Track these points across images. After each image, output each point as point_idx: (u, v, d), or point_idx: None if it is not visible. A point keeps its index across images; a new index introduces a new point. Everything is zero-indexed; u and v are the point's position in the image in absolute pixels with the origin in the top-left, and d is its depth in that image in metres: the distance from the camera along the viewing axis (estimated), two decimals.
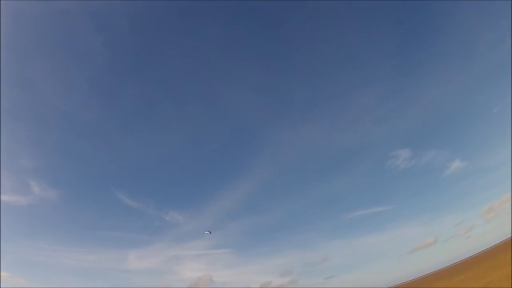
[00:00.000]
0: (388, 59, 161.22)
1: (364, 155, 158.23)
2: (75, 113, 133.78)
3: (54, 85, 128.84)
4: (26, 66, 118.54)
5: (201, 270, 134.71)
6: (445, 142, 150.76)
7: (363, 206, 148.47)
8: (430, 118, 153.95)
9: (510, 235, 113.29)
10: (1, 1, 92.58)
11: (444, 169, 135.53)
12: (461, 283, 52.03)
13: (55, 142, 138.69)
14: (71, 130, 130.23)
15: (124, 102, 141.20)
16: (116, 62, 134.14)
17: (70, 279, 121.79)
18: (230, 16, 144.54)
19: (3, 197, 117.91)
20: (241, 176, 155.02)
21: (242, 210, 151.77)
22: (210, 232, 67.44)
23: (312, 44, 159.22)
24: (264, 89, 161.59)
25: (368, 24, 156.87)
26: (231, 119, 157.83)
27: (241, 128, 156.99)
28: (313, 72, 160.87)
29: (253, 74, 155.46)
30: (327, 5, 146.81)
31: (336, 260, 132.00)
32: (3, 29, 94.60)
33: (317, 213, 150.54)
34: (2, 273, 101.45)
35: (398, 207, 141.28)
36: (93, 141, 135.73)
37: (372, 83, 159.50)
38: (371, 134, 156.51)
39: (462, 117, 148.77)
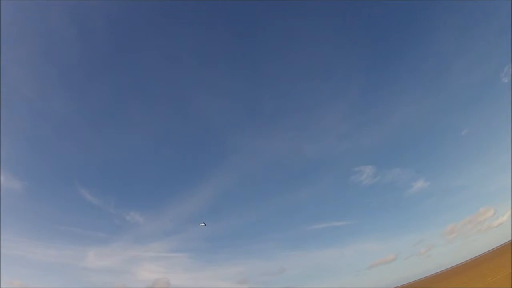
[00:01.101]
0: (359, 75, 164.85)
1: (328, 169, 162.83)
2: (44, 103, 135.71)
3: (23, 71, 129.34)
4: None
5: (159, 272, 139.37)
6: (410, 162, 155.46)
7: (325, 219, 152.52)
8: (397, 136, 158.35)
9: (472, 256, 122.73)
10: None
11: (407, 188, 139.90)
12: None
13: (21, 130, 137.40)
14: (38, 120, 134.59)
15: (93, 97, 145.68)
16: (88, 56, 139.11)
17: (30, 273, 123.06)
18: (206, 21, 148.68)
19: None
20: (205, 180, 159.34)
21: (203, 214, 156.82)
22: (205, 224, 66.78)
23: (285, 54, 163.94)
24: (234, 96, 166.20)
25: (342, 40, 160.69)
26: (199, 122, 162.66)
27: (208, 132, 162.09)
28: (283, 83, 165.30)
29: (223, 79, 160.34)
30: (302, 18, 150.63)
31: (293, 271, 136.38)
32: None
33: (277, 223, 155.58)
34: None
35: (359, 223, 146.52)
36: (60, 133, 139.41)
37: (342, 97, 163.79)
38: (337, 148, 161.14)
39: (429, 138, 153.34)
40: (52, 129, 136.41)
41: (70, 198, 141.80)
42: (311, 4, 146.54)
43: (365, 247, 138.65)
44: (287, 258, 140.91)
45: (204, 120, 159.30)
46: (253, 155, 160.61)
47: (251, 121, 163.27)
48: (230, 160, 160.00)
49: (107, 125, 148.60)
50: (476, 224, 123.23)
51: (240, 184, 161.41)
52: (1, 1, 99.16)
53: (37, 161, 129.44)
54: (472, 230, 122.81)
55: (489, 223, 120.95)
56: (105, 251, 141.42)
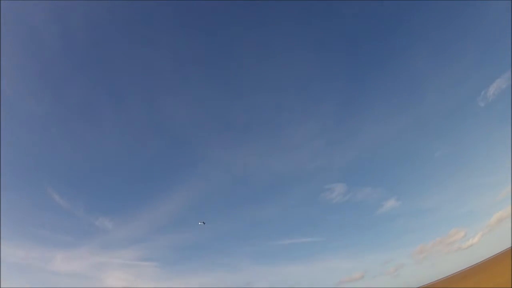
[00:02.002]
0: (333, 93, 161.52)
1: (298, 185, 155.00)
2: (17, 99, 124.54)
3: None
4: None
5: (126, 280, 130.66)
6: (382, 181, 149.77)
7: (294, 235, 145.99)
8: (369, 155, 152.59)
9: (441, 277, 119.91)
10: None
11: (378, 207, 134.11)
12: None
13: None
14: (9, 116, 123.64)
15: (68, 98, 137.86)
16: (66, 56, 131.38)
17: None
18: (183, 29, 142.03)
19: None
20: (174, 189, 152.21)
21: (172, 224, 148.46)
22: (204, 223, 65.76)
23: (260, 69, 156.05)
24: (206, 106, 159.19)
25: (318, 56, 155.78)
26: (169, 129, 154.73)
27: (179, 141, 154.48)
28: (256, 96, 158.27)
29: (196, 88, 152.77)
30: (279, 34, 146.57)
31: (260, 285, 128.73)
32: None
33: (246, 237, 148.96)
34: None
35: (329, 240, 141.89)
36: (32, 132, 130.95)
37: (315, 113, 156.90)
38: (308, 164, 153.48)
39: (402, 157, 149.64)
40: (24, 126, 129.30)
41: (39, 199, 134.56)
42: (288, 21, 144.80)
43: (333, 264, 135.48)
44: (255, 271, 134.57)
45: (175, 128, 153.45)
46: (223, 167, 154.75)
47: (222, 133, 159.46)
48: (200, 171, 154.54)
49: (79, 128, 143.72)
50: (447, 245, 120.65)
51: (209, 195, 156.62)
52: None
53: (6, 158, 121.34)
54: (442, 251, 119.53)
55: (460, 244, 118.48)
56: (73, 255, 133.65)
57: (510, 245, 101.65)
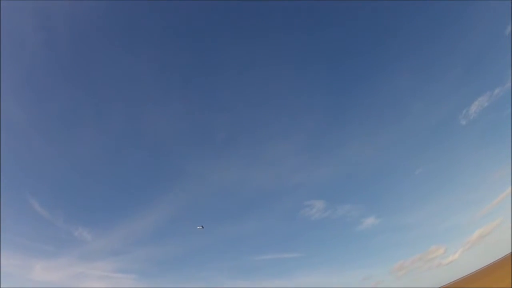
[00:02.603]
0: (315, 110, 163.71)
1: (278, 201, 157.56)
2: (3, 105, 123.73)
3: None
4: None
5: None
6: (362, 198, 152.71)
7: (273, 250, 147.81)
8: (350, 172, 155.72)
9: None
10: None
11: (357, 224, 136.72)
12: None
13: None
14: None
15: (51, 106, 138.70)
16: (52, 63, 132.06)
17: None
18: (169, 40, 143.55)
19: None
20: (154, 202, 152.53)
21: (151, 236, 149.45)
22: (203, 227, 65.47)
23: (242, 83, 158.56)
24: (188, 118, 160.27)
25: (300, 73, 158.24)
26: (151, 142, 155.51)
27: (159, 153, 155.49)
28: (238, 111, 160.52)
29: (179, 100, 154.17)
30: (262, 50, 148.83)
31: None
32: None
33: (225, 251, 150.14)
34: None
35: (308, 256, 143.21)
36: (16, 138, 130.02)
37: (296, 130, 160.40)
38: (288, 180, 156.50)
39: (382, 175, 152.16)
40: (7, 134, 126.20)
41: (19, 207, 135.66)
42: (271, 36, 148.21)
43: (313, 280, 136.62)
44: (233, 286, 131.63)
45: (157, 140, 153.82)
46: (203, 181, 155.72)
47: (203, 146, 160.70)
48: (180, 184, 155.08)
49: (61, 137, 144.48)
50: (426, 262, 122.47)
51: (188, 209, 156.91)
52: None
53: None
54: (422, 267, 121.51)
55: (440, 261, 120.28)
56: (52, 265, 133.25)
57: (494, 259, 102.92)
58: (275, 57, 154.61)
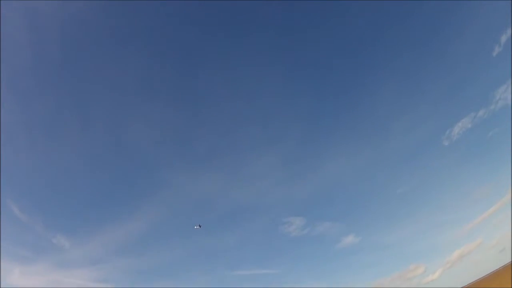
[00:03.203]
0: (297, 126, 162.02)
1: (257, 216, 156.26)
2: None
3: None
4: None
5: None
6: (342, 216, 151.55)
7: (250, 266, 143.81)
8: (330, 190, 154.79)
9: None
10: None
11: (337, 242, 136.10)
12: None
13: None
14: None
15: (34, 111, 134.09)
16: (35, 69, 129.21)
17: None
18: (153, 52, 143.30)
19: None
20: (134, 213, 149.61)
21: (129, 247, 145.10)
22: (200, 226, 66.00)
23: (225, 97, 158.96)
24: (169, 130, 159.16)
25: (283, 89, 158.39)
26: (132, 152, 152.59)
27: (140, 164, 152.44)
28: (219, 124, 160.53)
29: (160, 112, 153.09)
30: (246, 64, 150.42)
31: None
32: None
33: (202, 265, 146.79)
34: None
35: (285, 272, 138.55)
36: None
37: (278, 146, 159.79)
38: (268, 196, 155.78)
39: (363, 193, 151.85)
40: None
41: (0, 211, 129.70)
42: (254, 54, 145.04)
43: None
44: None
45: (137, 150, 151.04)
46: (182, 193, 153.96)
47: (183, 158, 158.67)
48: (159, 195, 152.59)
49: (43, 142, 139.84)
50: (406, 280, 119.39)
51: (167, 220, 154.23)
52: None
53: None
54: (401, 286, 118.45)
55: (419, 280, 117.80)
56: (30, 271, 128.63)
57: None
58: (258, 74, 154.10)
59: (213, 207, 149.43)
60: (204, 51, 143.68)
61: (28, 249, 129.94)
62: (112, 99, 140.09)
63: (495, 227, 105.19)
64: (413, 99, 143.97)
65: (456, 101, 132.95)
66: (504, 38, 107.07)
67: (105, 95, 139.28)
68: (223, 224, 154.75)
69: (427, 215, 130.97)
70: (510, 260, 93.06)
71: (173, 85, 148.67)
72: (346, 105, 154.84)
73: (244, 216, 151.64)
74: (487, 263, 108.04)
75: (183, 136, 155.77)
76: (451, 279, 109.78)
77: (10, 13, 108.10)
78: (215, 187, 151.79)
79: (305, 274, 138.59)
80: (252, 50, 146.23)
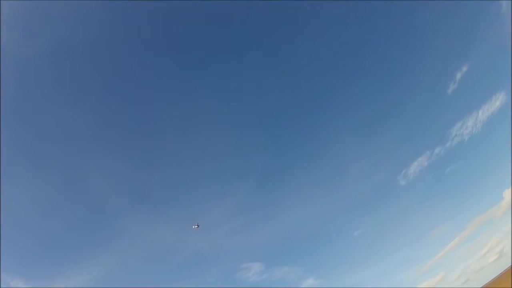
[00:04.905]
0: (252, 173, 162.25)
1: (214, 263, 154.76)
2: None
3: None
4: None
5: None
6: (300, 260, 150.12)
7: None
8: (288, 235, 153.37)
9: None
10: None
11: (297, 285, 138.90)
12: None
13: None
14: None
15: None
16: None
17: None
18: (108, 96, 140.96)
19: None
20: (88, 260, 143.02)
21: None
22: (198, 226, 66.88)
23: (179, 144, 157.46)
24: (124, 177, 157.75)
25: (238, 134, 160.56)
26: (87, 199, 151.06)
27: (96, 210, 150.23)
28: (174, 173, 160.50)
29: (116, 158, 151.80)
30: (199, 110, 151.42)
31: None
32: None
33: None
34: None
35: None
36: None
37: (234, 193, 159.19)
38: (225, 243, 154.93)
39: (321, 237, 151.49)
40: None
41: None
42: (207, 99, 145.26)
43: None
44: None
45: (92, 198, 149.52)
46: (139, 241, 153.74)
47: (139, 207, 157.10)
48: (116, 243, 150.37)
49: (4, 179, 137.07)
50: None
51: (124, 269, 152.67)
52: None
53: None
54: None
55: None
56: None
57: None
58: (211, 119, 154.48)
59: (170, 255, 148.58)
60: (159, 98, 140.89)
61: None
62: (65, 146, 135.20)
63: (458, 260, 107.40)
64: (369, 144, 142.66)
65: (412, 140, 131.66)
66: (459, 75, 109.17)
67: (59, 141, 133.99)
68: (181, 272, 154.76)
69: (388, 254, 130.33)
70: None
71: (125, 133, 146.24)
72: (303, 150, 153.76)
73: (201, 264, 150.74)
74: None
75: (138, 184, 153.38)
76: None
77: None
78: (171, 236, 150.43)
79: None
80: (203, 94, 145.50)
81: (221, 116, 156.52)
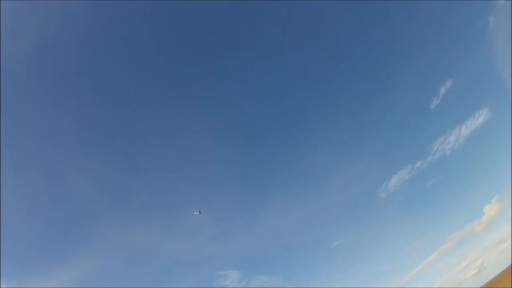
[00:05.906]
0: (231, 181, 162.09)
1: (191, 270, 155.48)
2: None
3: None
4: None
5: None
6: (278, 269, 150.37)
7: None
8: (266, 244, 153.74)
9: None
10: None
11: None
12: None
13: None
14: None
15: None
16: None
17: None
18: (93, 97, 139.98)
19: None
20: (66, 262, 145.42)
21: None
22: (200, 212, 66.24)
23: (162, 148, 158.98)
24: (107, 180, 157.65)
25: (218, 141, 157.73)
26: (67, 201, 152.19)
27: (76, 210, 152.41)
28: (155, 179, 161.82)
29: (96, 163, 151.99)
30: (183, 117, 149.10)
31: None
32: None
33: None
34: None
35: None
36: None
37: (213, 201, 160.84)
38: (203, 250, 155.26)
39: (299, 247, 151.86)
40: None
41: None
42: (191, 107, 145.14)
43: None
44: None
45: (73, 199, 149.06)
46: (117, 245, 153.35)
47: (119, 210, 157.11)
48: (94, 245, 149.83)
49: None
50: None
51: (102, 273, 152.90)
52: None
53: None
54: None
55: None
56: None
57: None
58: (193, 127, 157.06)
59: (148, 260, 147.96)
60: (144, 103, 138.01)
61: None
62: (48, 147, 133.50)
63: (437, 273, 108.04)
64: (350, 156, 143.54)
65: (394, 153, 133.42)
66: (443, 90, 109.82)
67: (42, 142, 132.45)
68: (158, 278, 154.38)
69: (366, 266, 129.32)
70: None
71: (109, 136, 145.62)
72: (282, 166, 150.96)
73: (179, 271, 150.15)
74: None
75: (118, 189, 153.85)
76: None
77: None
78: (149, 241, 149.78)
79: None
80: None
81: (205, 122, 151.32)
